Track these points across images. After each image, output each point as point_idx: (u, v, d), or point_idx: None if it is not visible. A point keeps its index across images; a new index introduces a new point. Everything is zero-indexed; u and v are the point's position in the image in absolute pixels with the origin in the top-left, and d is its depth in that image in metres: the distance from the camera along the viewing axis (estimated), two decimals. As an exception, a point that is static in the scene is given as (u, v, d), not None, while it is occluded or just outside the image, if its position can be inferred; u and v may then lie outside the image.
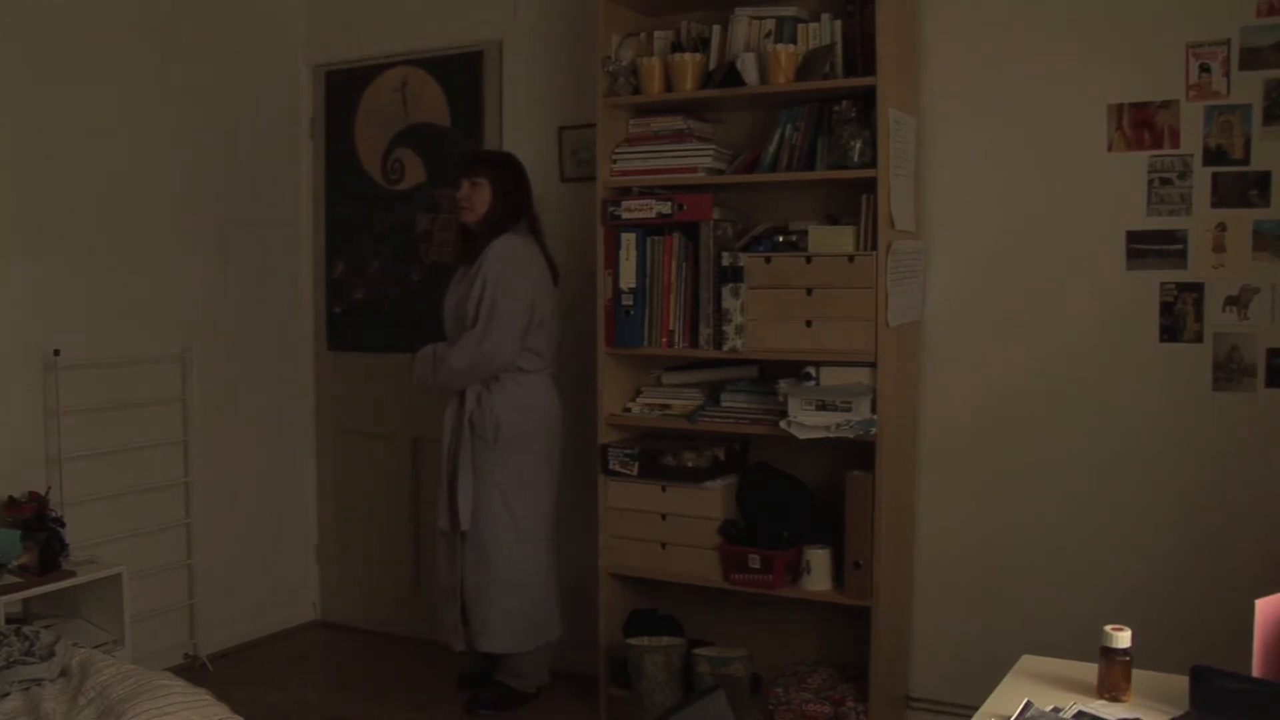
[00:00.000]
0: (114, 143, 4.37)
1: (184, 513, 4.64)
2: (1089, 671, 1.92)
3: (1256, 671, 1.72)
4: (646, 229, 3.94)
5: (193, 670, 4.50)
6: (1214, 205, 3.51)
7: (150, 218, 4.52)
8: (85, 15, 4.24)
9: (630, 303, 3.97)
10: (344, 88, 5.14)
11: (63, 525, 3.89)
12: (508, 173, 4.09)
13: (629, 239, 3.95)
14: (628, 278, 3.96)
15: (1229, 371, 3.52)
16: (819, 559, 3.75)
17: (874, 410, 3.58)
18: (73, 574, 3.82)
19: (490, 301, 3.93)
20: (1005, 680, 1.98)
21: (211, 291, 4.78)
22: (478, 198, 3.99)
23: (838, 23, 3.70)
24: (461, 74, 4.82)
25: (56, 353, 4.10)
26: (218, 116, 4.78)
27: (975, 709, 1.86)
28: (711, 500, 3.88)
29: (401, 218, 5.01)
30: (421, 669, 4.65)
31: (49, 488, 3.99)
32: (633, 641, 3.93)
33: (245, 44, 4.92)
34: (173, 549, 4.61)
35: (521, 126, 4.65)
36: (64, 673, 2.89)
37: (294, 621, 5.22)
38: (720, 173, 3.93)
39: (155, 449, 4.53)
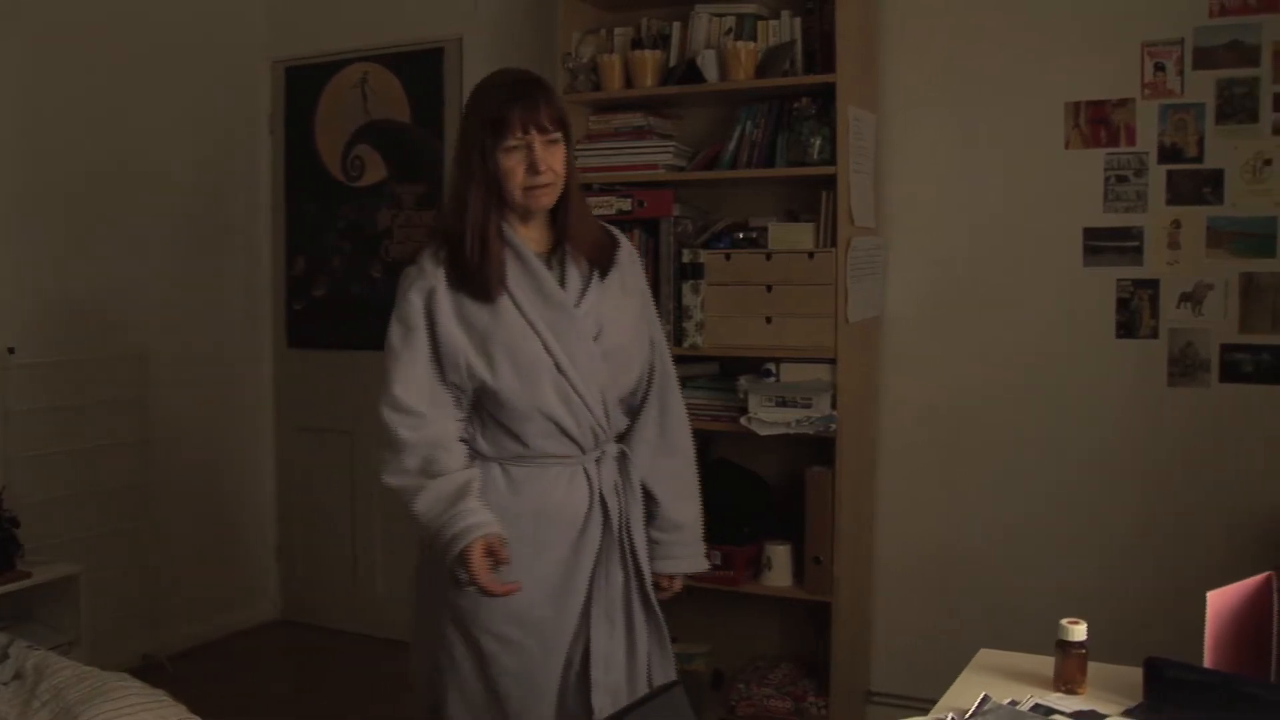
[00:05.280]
0: (71, 139, 4.32)
1: (143, 512, 4.59)
2: (1046, 664, 1.94)
3: (1208, 662, 1.74)
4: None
5: (152, 671, 4.45)
6: (1169, 202, 3.55)
7: (107, 214, 4.47)
8: (40, 12, 4.18)
9: (591, 299, 3.95)
10: (304, 83, 5.11)
11: (17, 525, 3.84)
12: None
13: (590, 236, 3.93)
14: (589, 274, 3.95)
15: (1184, 367, 3.56)
16: (779, 555, 3.76)
17: (834, 406, 3.59)
18: (28, 575, 3.78)
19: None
20: (963, 674, 1.99)
21: (170, 289, 4.73)
22: (557, 162, 2.35)
23: (798, 20, 3.71)
24: (422, 70, 4.80)
25: (11, 351, 4.05)
26: (176, 112, 4.73)
27: (935, 703, 1.87)
28: (673, 497, 3.87)
29: (362, 214, 4.99)
30: (383, 666, 4.62)
31: (2, 487, 3.94)
32: (595, 638, 3.91)
33: (204, 38, 4.87)
34: (131, 549, 4.56)
35: (482, 123, 4.62)
36: (18, 675, 2.85)
37: (254, 621, 5.18)
38: (680, 169, 3.93)
39: (113, 448, 4.48)
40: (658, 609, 2.51)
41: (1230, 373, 3.50)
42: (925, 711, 1.81)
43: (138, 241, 4.59)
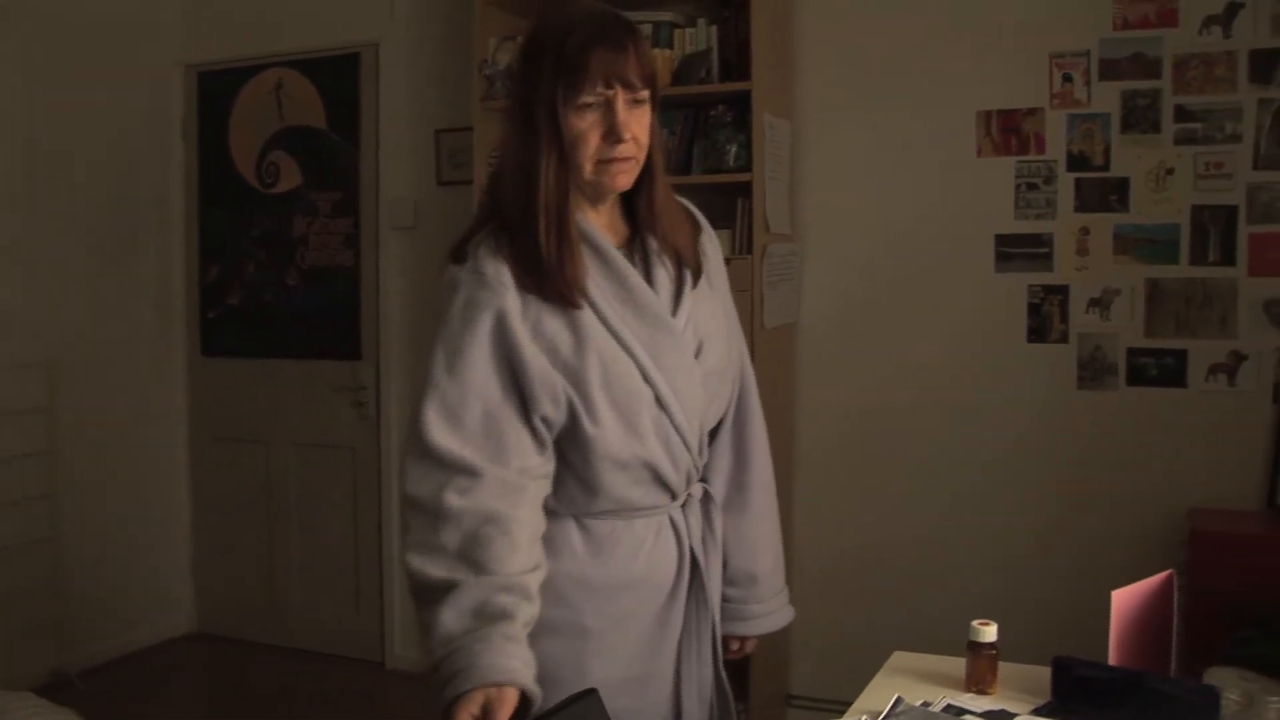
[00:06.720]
0: (-28, 143, 4.22)
1: (51, 524, 4.48)
2: (958, 665, 1.96)
3: (1112, 660, 1.78)
4: (526, 233, 3.91)
5: (60, 688, 4.35)
6: (1077, 209, 3.63)
7: (14, 219, 4.36)
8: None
9: (510, 307, 3.92)
10: (217, 88, 5.03)
11: (-81, 541, 3.74)
12: None
13: (508, 243, 3.91)
14: (507, 282, 3.93)
15: (1093, 370, 3.64)
16: (700, 560, 3.76)
17: (752, 412, 3.61)
18: (-71, 592, 3.69)
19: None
20: (877, 677, 2.00)
21: (79, 296, 4.62)
22: (642, 129, 1.76)
23: (713, 28, 3.73)
24: (338, 76, 4.75)
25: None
26: (87, 117, 4.63)
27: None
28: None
29: (277, 222, 4.92)
30: (298, 679, 4.57)
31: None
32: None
33: (116, 42, 4.77)
34: (39, 561, 4.44)
35: (398, 129, 4.60)
36: (-82, 695, 2.78)
37: (169, 634, 5.08)
38: (599, 176, 3.92)
39: (20, 458, 4.36)
40: (725, 679, 1.99)
41: (1136, 376, 3.59)
42: (842, 714, 1.82)
43: (46, 247, 4.48)
